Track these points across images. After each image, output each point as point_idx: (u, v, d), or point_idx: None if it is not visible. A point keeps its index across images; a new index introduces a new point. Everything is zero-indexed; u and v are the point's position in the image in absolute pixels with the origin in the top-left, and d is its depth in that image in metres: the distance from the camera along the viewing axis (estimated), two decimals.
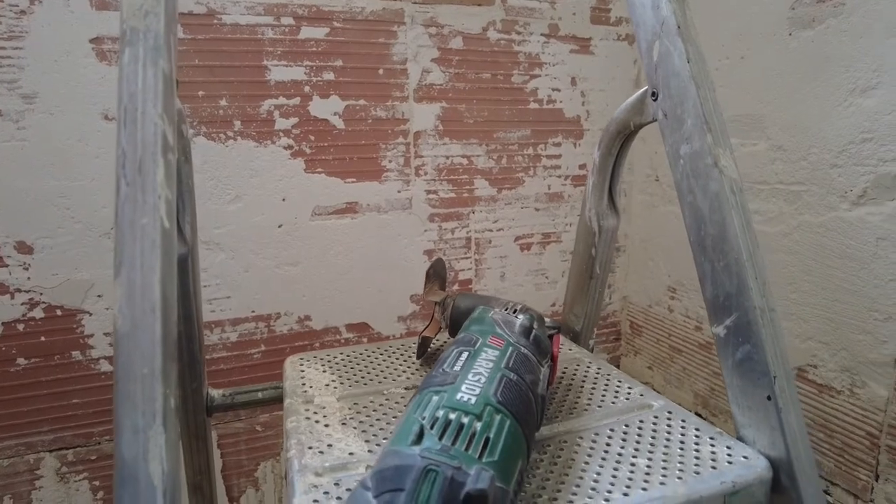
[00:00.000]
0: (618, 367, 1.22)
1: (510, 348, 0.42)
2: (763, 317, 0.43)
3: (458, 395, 0.35)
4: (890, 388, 0.72)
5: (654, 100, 0.49)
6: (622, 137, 0.56)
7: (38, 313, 0.82)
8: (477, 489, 0.28)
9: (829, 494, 0.82)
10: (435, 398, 0.35)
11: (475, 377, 0.37)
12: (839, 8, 0.74)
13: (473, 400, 0.35)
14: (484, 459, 0.31)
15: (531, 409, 0.38)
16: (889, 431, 0.73)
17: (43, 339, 0.83)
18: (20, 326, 0.81)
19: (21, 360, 0.82)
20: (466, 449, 0.31)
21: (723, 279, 0.44)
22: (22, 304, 0.81)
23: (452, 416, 0.33)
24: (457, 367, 0.39)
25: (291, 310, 0.95)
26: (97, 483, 0.89)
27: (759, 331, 0.43)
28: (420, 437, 0.31)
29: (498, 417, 0.34)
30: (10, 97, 0.75)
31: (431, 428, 0.32)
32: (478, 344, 0.42)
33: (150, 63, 0.31)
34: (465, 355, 0.40)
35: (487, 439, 0.32)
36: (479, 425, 0.33)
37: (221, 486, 0.97)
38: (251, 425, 0.97)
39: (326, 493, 0.38)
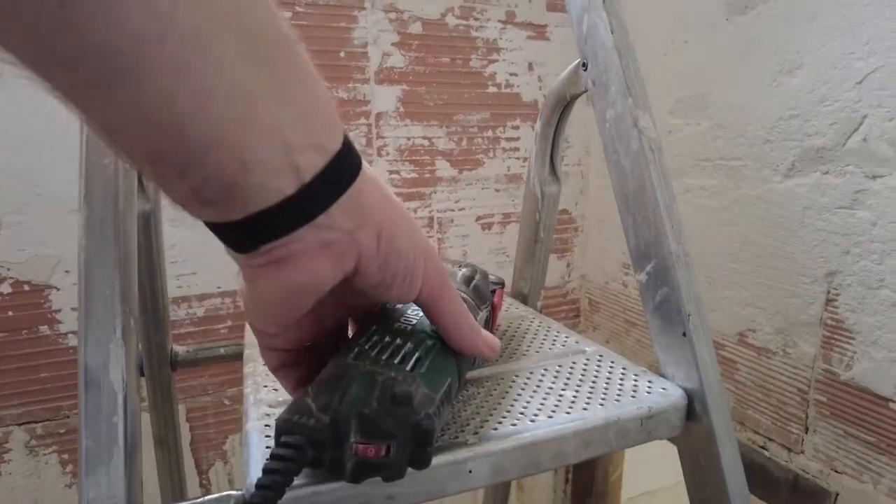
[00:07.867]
0: None
1: None
2: (678, 262, 0.47)
3: (395, 325, 0.39)
4: (817, 345, 0.78)
5: (585, 70, 0.53)
6: (560, 108, 0.61)
7: (5, 288, 0.83)
8: (403, 390, 0.31)
9: (765, 450, 0.87)
10: (375, 327, 0.39)
11: (413, 311, 0.41)
12: None
13: (409, 328, 0.38)
14: (413, 371, 0.35)
15: None
16: (816, 386, 0.79)
17: (10, 313, 0.84)
18: None
19: None
20: (399, 363, 0.35)
21: (643, 230, 0.49)
22: None
23: (388, 338, 0.37)
24: (398, 305, 0.43)
25: None
26: (66, 456, 0.91)
27: (675, 274, 0.47)
28: (358, 355, 0.35)
29: (430, 342, 0.38)
30: None
31: (368, 347, 0.36)
32: None
33: None
34: None
35: (418, 358, 0.36)
36: (410, 345, 0.36)
37: (190, 459, 0.99)
38: (219, 399, 0.99)
39: None
